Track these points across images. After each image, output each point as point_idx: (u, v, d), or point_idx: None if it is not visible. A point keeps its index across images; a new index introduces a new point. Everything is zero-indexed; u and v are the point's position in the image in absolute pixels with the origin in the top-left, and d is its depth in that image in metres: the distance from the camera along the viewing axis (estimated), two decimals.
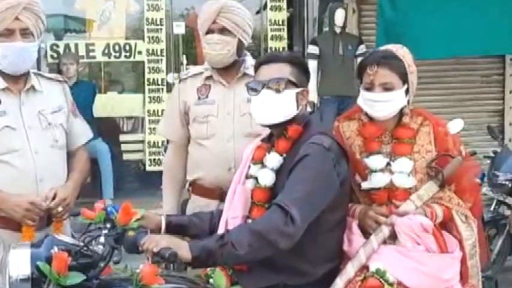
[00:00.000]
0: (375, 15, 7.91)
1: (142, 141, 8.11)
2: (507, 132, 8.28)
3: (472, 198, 2.74)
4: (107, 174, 7.34)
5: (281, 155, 2.61)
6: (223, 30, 3.24)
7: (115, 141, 8.10)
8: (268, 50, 8.13)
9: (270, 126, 2.71)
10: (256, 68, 2.73)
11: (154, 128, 7.88)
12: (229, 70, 3.33)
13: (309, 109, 2.86)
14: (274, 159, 2.61)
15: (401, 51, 2.72)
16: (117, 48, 7.89)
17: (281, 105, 2.62)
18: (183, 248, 2.28)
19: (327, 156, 2.50)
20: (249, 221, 2.61)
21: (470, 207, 2.71)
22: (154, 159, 7.98)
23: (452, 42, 7.23)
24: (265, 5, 8.25)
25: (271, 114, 2.63)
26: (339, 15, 7.54)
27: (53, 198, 2.92)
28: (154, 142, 7.96)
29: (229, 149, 3.23)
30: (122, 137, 8.37)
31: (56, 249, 2.32)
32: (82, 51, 7.78)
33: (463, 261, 2.66)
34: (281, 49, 8.17)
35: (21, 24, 2.89)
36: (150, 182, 8.02)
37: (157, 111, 7.87)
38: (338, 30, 7.59)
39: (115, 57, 7.92)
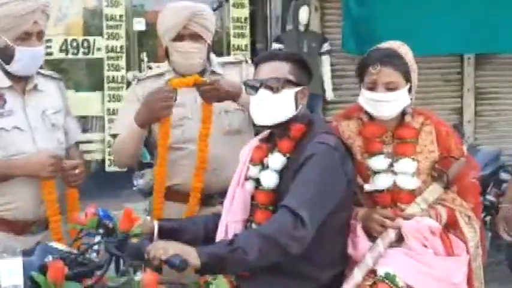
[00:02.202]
0: (337, 13, 7.93)
1: (102, 141, 7.91)
2: (466, 130, 8.38)
3: (474, 199, 2.70)
4: None
5: (284, 155, 2.51)
6: (194, 36, 3.10)
7: None
8: (231, 48, 8.04)
9: (269, 127, 2.62)
10: (255, 66, 2.64)
11: None
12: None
13: None
14: (277, 160, 2.52)
15: (402, 49, 2.66)
16: (74, 44, 7.65)
17: (279, 105, 2.53)
18: (191, 254, 2.17)
19: (334, 155, 2.43)
20: (253, 225, 2.51)
21: (472, 208, 2.67)
22: (114, 160, 7.77)
23: (419, 40, 7.25)
24: (222, 2, 8.15)
25: (269, 114, 2.55)
26: (304, 13, 7.52)
27: None
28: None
29: (210, 151, 3.08)
30: (81, 137, 8.11)
31: (50, 257, 2.21)
32: None
33: (468, 264, 2.61)
34: (243, 46, 8.09)
35: (38, 27, 2.85)
36: (110, 182, 7.85)
37: (117, 110, 7.65)
38: (302, 28, 7.56)
39: (73, 54, 7.67)
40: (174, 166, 3.14)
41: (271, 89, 2.52)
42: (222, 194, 2.79)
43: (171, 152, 3.15)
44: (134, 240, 2.26)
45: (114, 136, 3.26)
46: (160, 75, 3.24)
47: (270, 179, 2.50)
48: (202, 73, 3.16)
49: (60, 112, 2.99)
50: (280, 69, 2.55)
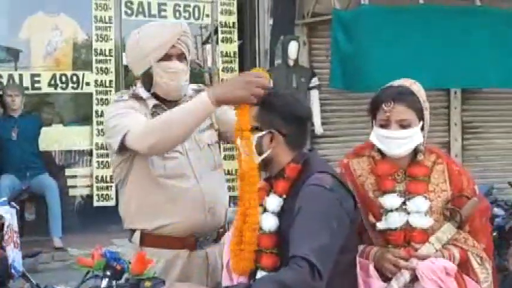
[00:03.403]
0: (325, 48, 7.98)
1: (89, 176, 7.82)
2: None
3: (485, 239, 2.66)
4: (55, 211, 7.02)
5: (280, 197, 2.44)
6: (180, 57, 2.88)
7: (61, 176, 7.79)
8: (219, 82, 8.03)
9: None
10: None
11: (102, 162, 7.63)
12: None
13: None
14: (274, 202, 2.45)
15: (415, 86, 2.65)
16: (63, 79, 7.64)
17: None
18: None
19: (331, 197, 2.34)
20: (259, 271, 2.42)
21: (484, 248, 2.63)
22: (102, 195, 7.70)
23: (405, 75, 7.30)
24: (215, 34, 8.16)
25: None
26: (293, 48, 7.54)
27: None
28: (102, 176, 7.70)
29: (205, 189, 2.87)
30: (69, 171, 8.03)
31: None
32: (27, 83, 7.49)
33: None
34: None
35: None
36: (97, 218, 7.74)
37: (106, 145, 7.60)
38: (291, 62, 7.58)
39: (62, 88, 7.66)
40: (163, 205, 2.85)
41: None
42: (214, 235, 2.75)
43: (158, 188, 2.85)
44: (147, 284, 2.19)
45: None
46: (142, 99, 2.93)
47: (269, 222, 2.42)
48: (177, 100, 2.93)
49: None
50: (252, 116, 2.50)
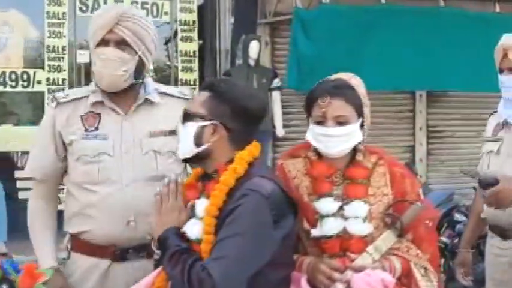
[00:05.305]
0: (287, 48, 7.77)
1: None
2: (418, 169, 8.25)
3: (431, 248, 2.44)
4: (0, 214, 6.69)
5: None
6: (120, 44, 2.63)
7: (10, 178, 7.45)
8: (179, 82, 7.80)
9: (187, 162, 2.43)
10: None
11: None
12: (124, 95, 2.72)
13: None
14: (203, 207, 2.22)
15: (354, 80, 2.42)
16: (13, 77, 7.30)
17: (182, 140, 2.31)
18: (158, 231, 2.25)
19: (265, 206, 2.13)
20: None
21: (428, 259, 2.41)
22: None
23: (368, 76, 7.14)
24: (175, 34, 7.91)
25: (178, 148, 2.36)
26: (254, 48, 7.32)
27: None
28: None
29: (128, 198, 2.63)
30: (18, 173, 7.70)
31: None
32: None
33: None
34: (192, 81, 7.85)
35: None
36: None
37: None
38: (252, 62, 7.35)
39: (11, 86, 7.31)
40: (84, 210, 2.68)
41: (181, 121, 2.34)
42: (139, 249, 2.60)
43: (80, 192, 2.68)
44: None
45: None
46: (84, 97, 2.74)
47: (194, 229, 2.21)
48: (134, 98, 2.73)
49: None
50: (197, 99, 2.32)
